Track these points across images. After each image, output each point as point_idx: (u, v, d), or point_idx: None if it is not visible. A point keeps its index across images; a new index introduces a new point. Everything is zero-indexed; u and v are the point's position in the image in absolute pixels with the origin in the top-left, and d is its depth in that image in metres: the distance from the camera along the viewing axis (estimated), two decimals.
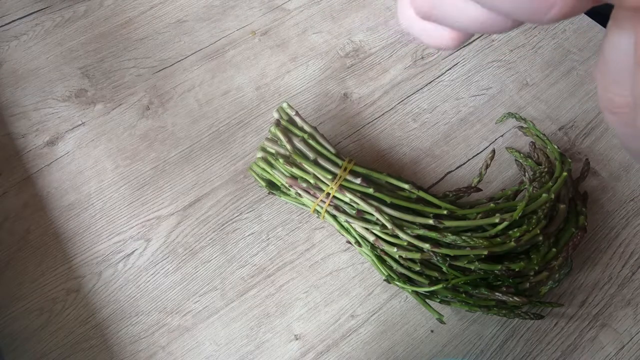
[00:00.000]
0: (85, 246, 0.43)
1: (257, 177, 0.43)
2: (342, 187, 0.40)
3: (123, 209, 0.45)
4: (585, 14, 0.57)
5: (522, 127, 0.49)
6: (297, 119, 0.43)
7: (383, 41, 0.55)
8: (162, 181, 0.47)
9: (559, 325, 0.40)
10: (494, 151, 0.43)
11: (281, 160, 0.41)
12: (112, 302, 0.41)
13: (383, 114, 0.51)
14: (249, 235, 0.44)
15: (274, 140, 0.43)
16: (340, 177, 0.40)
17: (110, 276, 0.42)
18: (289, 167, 0.41)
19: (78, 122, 0.50)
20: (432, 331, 0.40)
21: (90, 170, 0.47)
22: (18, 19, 0.57)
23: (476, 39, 0.55)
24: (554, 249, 0.40)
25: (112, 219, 0.45)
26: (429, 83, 0.53)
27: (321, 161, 0.41)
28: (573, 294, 0.42)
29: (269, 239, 0.44)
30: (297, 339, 0.40)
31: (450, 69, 0.54)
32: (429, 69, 0.54)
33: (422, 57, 0.54)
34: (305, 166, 0.41)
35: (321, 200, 0.41)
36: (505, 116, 0.49)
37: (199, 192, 0.46)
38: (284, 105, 0.43)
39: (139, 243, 0.44)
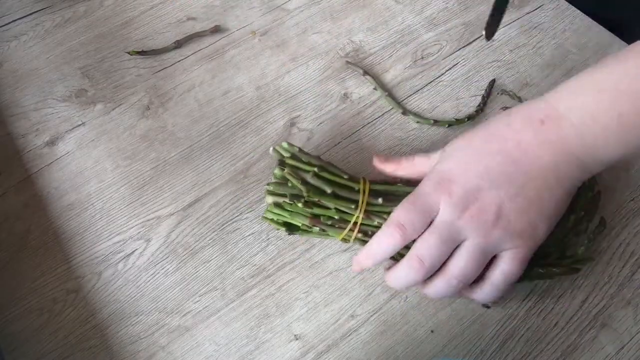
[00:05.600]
0: (85, 246, 0.43)
1: (273, 223, 0.41)
2: (367, 213, 0.39)
3: (123, 209, 0.45)
4: (586, 13, 0.57)
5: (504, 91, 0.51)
6: (301, 156, 0.40)
7: (383, 41, 0.55)
8: (162, 181, 0.47)
9: (559, 325, 0.41)
10: None
11: (299, 204, 0.38)
12: (112, 302, 0.41)
13: (383, 114, 0.51)
14: (249, 235, 0.44)
15: (281, 183, 0.40)
16: (363, 202, 0.38)
17: (110, 276, 0.42)
18: (309, 209, 0.39)
19: (78, 122, 0.50)
20: (432, 331, 0.40)
21: (90, 170, 0.47)
22: (18, 19, 0.57)
23: (476, 39, 0.56)
24: (572, 216, 0.40)
25: (112, 219, 0.45)
26: (429, 83, 0.53)
27: (339, 192, 0.39)
28: (573, 294, 0.42)
29: (269, 239, 0.44)
30: (297, 339, 0.40)
31: (450, 69, 0.54)
32: (429, 69, 0.54)
33: (422, 57, 0.54)
34: (325, 202, 0.39)
35: (349, 230, 0.39)
36: (497, 94, 0.51)
37: (199, 192, 0.46)
38: (284, 144, 0.40)
39: (139, 243, 0.44)
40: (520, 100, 0.51)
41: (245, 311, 0.41)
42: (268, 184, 0.40)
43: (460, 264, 0.35)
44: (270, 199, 0.40)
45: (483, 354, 0.40)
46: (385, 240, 0.37)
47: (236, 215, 0.45)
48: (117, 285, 0.42)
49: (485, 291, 0.37)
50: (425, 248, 0.35)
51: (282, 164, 0.40)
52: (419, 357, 0.39)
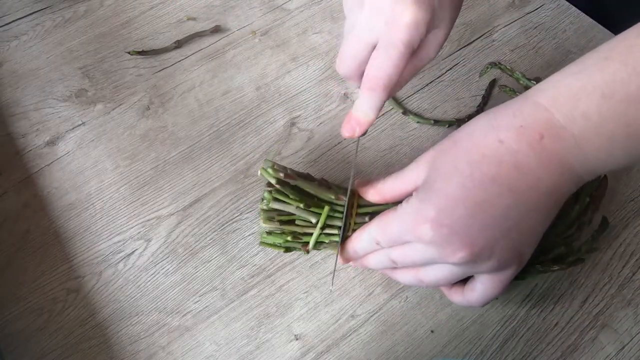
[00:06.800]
0: (85, 246, 0.43)
1: (271, 247, 0.41)
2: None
3: (123, 209, 0.45)
4: (585, 13, 0.57)
5: (504, 86, 0.51)
6: (288, 180, 0.38)
7: None
8: (162, 181, 0.47)
9: (559, 325, 0.40)
10: None
11: (289, 238, 0.39)
12: (112, 302, 0.41)
13: (383, 114, 0.51)
14: (249, 235, 0.44)
15: (271, 214, 0.39)
16: (351, 224, 0.38)
17: (110, 276, 0.42)
18: (298, 239, 0.39)
19: (78, 122, 0.50)
20: (432, 331, 0.40)
21: (90, 170, 0.47)
22: (18, 19, 0.57)
23: (476, 39, 0.56)
24: (577, 207, 0.40)
25: (112, 219, 0.45)
26: (429, 83, 0.53)
27: (326, 220, 0.38)
28: (573, 294, 0.42)
29: None
30: (297, 339, 0.40)
31: (450, 69, 0.54)
32: (429, 69, 0.54)
33: None
34: (314, 230, 0.38)
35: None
36: (488, 67, 0.52)
37: (199, 192, 0.46)
38: (269, 171, 0.38)
39: (139, 243, 0.44)
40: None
41: (246, 311, 0.41)
42: (261, 202, 0.39)
43: (433, 275, 0.34)
44: (265, 225, 0.39)
45: (483, 354, 0.40)
46: (365, 246, 0.37)
47: (236, 215, 0.45)
48: (117, 285, 0.42)
49: (457, 301, 0.37)
50: (401, 258, 0.35)
51: (270, 184, 0.38)
52: (419, 357, 0.39)
